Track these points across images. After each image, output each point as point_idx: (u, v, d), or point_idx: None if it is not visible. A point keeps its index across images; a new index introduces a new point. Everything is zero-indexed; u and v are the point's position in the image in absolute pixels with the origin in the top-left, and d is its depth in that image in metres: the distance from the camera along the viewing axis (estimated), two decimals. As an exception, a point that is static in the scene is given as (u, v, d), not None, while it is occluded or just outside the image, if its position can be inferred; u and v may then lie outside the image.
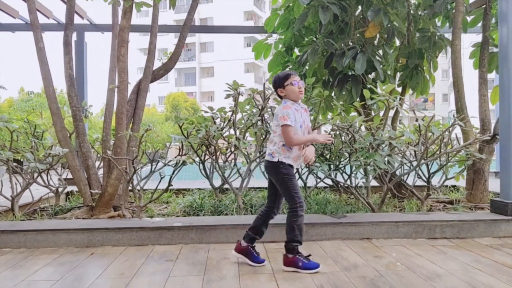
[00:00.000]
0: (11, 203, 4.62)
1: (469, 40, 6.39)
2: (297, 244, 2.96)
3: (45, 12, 7.14)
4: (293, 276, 2.86)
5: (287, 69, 6.40)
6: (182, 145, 4.79)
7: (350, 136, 4.63)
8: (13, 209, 4.60)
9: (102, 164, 5.24)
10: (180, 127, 4.90)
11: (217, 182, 5.45)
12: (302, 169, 5.03)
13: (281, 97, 3.11)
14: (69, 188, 5.74)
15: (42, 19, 6.18)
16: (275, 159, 2.98)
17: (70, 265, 3.16)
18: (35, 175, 4.87)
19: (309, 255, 3.02)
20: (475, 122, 5.17)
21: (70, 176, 5.05)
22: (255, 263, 3.07)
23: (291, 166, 3.02)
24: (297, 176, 5.02)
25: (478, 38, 5.59)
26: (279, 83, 3.05)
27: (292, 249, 2.96)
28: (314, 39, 5.95)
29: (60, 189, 5.26)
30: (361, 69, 4.96)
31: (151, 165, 4.76)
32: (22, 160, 4.91)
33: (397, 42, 5.95)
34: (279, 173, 2.98)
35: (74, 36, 6.28)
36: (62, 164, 5.57)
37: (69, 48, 5.05)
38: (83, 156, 4.99)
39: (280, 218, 4.11)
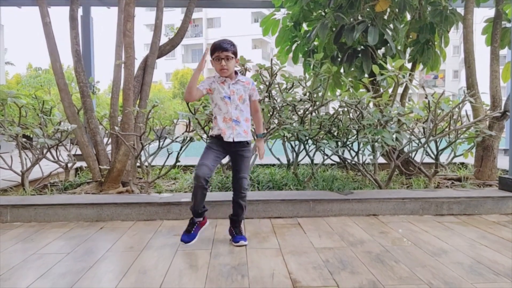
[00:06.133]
0: (21, 178, 4.68)
1: (482, 15, 6.24)
2: (191, 208, 3.06)
3: (51, -14, 7.06)
4: (300, 251, 2.89)
5: (295, 44, 6.30)
6: (189, 122, 4.79)
7: (358, 112, 4.59)
8: (23, 184, 4.67)
9: (110, 140, 5.27)
10: (187, 104, 4.89)
11: (224, 159, 5.47)
12: (309, 146, 5.02)
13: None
14: (78, 164, 5.80)
15: (47, -6, 6.11)
16: (210, 133, 3.12)
17: (81, 239, 3.22)
18: (45, 150, 4.92)
19: (194, 227, 3.08)
20: (486, 98, 5.10)
21: (79, 152, 5.10)
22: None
23: (219, 138, 3.03)
24: (304, 153, 5.03)
25: (491, 12, 5.44)
26: (210, 52, 3.00)
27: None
28: (323, 13, 5.84)
29: (69, 165, 5.32)
30: (373, 41, 4.86)
31: (159, 142, 4.78)
32: (31, 136, 4.95)
33: (408, 17, 5.82)
34: None
35: (80, 11, 6.24)
36: (70, 140, 5.61)
37: (75, 23, 5.02)
38: (91, 132, 5.01)
39: (286, 194, 4.14)
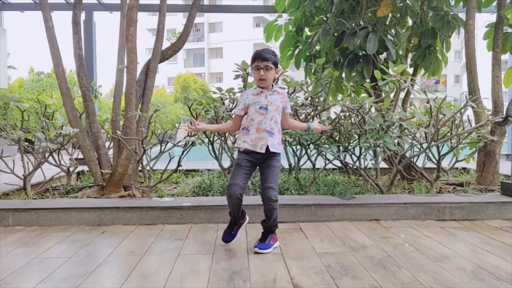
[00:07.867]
0: (23, 182, 4.69)
1: (483, 20, 6.25)
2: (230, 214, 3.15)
3: (54, -9, 7.11)
4: (301, 256, 2.88)
5: (297, 50, 6.32)
6: (191, 126, 4.78)
7: (360, 117, 4.59)
8: (25, 187, 4.68)
9: (112, 144, 5.28)
10: (189, 108, 4.90)
11: (226, 163, 5.48)
12: (311, 151, 5.02)
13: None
14: (80, 168, 5.80)
15: (50, -1, 6.15)
16: (239, 147, 3.05)
17: (82, 243, 3.22)
18: (47, 154, 4.93)
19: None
20: (488, 103, 5.10)
21: (81, 156, 5.11)
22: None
23: (248, 152, 2.96)
24: (305, 157, 5.03)
25: (493, 18, 5.46)
26: (251, 61, 3.01)
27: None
28: (325, 18, 5.86)
29: (71, 169, 5.33)
30: (372, 49, 4.88)
31: (161, 146, 4.78)
32: (33, 139, 4.96)
33: (410, 22, 5.84)
34: None
35: (83, 16, 6.27)
36: (72, 144, 5.63)
37: (78, 27, 5.04)
38: (93, 136, 5.02)
39: (287, 199, 4.14)
